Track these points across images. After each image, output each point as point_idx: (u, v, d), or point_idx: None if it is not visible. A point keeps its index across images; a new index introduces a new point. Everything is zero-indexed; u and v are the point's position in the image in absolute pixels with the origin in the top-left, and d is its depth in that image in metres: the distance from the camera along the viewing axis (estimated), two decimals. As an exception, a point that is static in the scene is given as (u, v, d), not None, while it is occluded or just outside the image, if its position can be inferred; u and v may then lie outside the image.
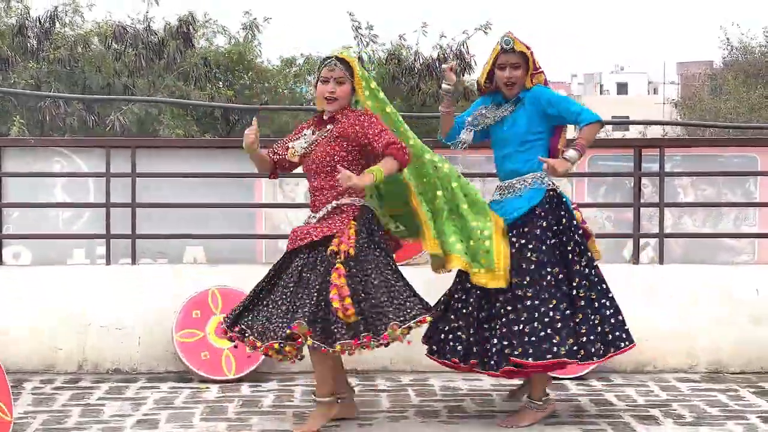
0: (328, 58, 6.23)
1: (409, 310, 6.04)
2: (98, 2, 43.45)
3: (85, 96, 22.92)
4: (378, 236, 6.21)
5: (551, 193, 6.35)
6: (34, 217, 8.36)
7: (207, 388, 7.43)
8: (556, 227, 6.32)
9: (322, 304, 5.95)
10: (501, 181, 6.47)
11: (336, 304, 5.87)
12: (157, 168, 8.29)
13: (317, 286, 6.00)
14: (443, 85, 6.39)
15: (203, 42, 28.64)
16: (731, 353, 7.95)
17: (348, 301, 5.87)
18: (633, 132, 50.90)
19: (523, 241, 6.26)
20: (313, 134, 6.31)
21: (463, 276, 6.40)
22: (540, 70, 6.36)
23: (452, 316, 6.39)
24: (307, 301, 5.96)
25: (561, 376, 7.59)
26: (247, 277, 7.22)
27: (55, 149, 8.48)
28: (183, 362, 7.68)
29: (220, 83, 27.10)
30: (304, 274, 6.08)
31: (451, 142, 6.60)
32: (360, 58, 27.51)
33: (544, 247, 6.24)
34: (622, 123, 26.50)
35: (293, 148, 6.34)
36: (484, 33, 27.86)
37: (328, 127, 6.25)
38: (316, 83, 6.27)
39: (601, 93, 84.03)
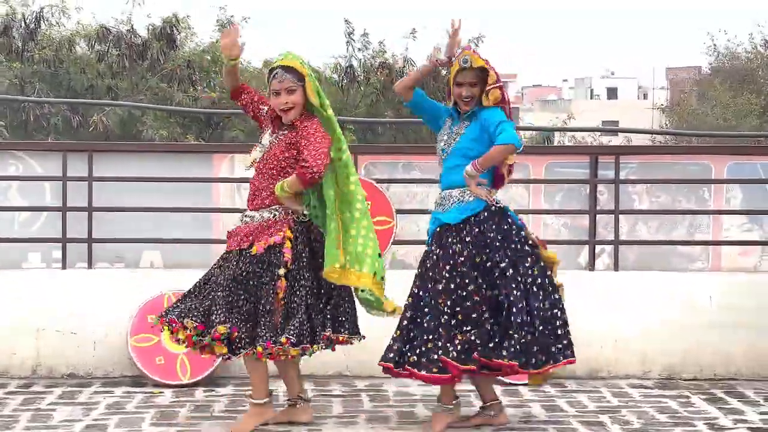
0: (274, 69, 6.23)
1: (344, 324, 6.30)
2: (85, 4, 43.59)
3: (49, 99, 22.81)
4: (313, 246, 6.26)
5: (493, 208, 6.36)
6: (-12, 221, 8.35)
7: (161, 392, 7.43)
8: (491, 239, 6.35)
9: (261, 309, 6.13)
10: (441, 191, 6.47)
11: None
12: (115, 172, 8.29)
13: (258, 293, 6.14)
14: (441, 56, 6.40)
15: (189, 44, 28.66)
16: (684, 360, 8.01)
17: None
18: (621, 137, 50.90)
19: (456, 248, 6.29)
20: (271, 135, 6.30)
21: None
22: (496, 84, 6.30)
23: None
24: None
25: (515, 382, 7.62)
26: (203, 282, 7.26)
27: (11, 152, 8.46)
28: (138, 367, 7.68)
29: (203, 85, 27.10)
30: (249, 280, 6.18)
31: (409, 105, 6.60)
32: (351, 66, 27.55)
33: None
34: (570, 129, 26.58)
35: (255, 151, 6.34)
36: (475, 45, 28.19)
37: (284, 131, 6.26)
38: (269, 95, 6.27)
39: (591, 97, 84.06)
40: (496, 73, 6.32)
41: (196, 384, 7.60)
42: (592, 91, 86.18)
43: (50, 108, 25.01)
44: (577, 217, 8.58)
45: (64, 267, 8.15)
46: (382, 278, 6.26)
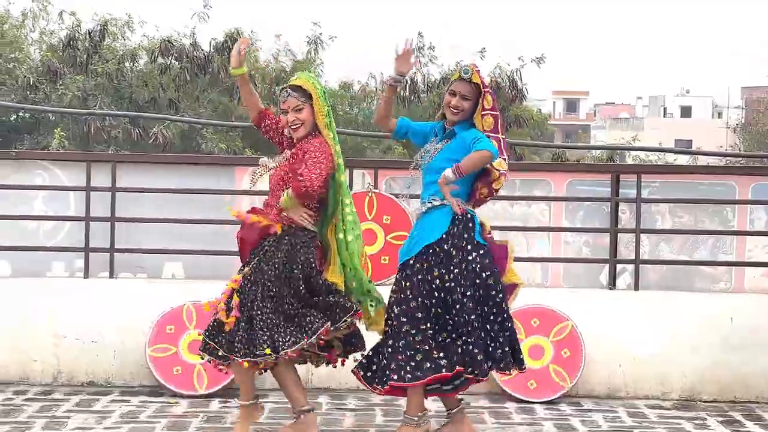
0: (283, 89, 6.34)
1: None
2: (149, 18, 44.32)
3: (92, 111, 23.11)
4: (300, 258, 6.25)
5: (459, 217, 6.30)
6: (14, 229, 8.46)
7: (177, 402, 7.49)
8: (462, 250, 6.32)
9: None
10: (421, 205, 6.45)
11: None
12: (138, 183, 8.39)
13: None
14: (395, 74, 6.36)
15: (253, 59, 28.88)
16: (704, 381, 7.91)
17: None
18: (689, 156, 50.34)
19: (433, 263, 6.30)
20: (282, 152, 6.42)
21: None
22: (489, 112, 6.28)
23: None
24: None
25: (531, 400, 7.59)
26: (223, 293, 7.31)
27: (37, 162, 8.60)
28: (155, 376, 7.75)
29: (266, 100, 27.29)
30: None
31: (394, 136, 6.65)
32: (413, 80, 27.64)
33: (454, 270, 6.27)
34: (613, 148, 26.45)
35: (267, 164, 6.43)
36: (537, 66, 28.15)
37: (289, 151, 6.37)
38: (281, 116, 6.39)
39: (664, 116, 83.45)
40: (493, 98, 6.33)
41: (212, 395, 7.65)
42: (665, 109, 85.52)
43: (111, 120, 25.37)
44: (598, 236, 8.53)
45: (86, 276, 8.25)
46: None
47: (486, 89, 6.30)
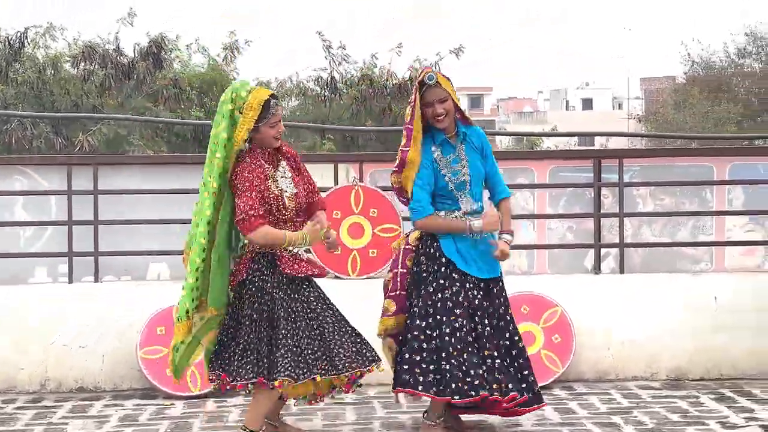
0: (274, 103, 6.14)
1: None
2: (70, 25, 43.42)
3: (47, 114, 22.74)
4: None
5: None
6: (-6, 236, 8.35)
7: (172, 404, 7.42)
8: None
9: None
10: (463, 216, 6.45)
11: None
12: (119, 185, 8.30)
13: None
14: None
15: (176, 64, 28.59)
16: (691, 361, 8.02)
17: None
18: (596, 145, 51.20)
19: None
20: (281, 174, 6.17)
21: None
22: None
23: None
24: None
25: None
26: (211, 293, 7.25)
27: (16, 167, 8.48)
28: (148, 379, 7.67)
29: (193, 104, 26.96)
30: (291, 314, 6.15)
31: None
32: (332, 78, 27.69)
33: None
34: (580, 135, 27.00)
35: (285, 192, 6.11)
36: (456, 57, 28.37)
37: (284, 163, 6.17)
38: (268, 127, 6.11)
39: (566, 109, 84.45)
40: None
41: (206, 395, 7.59)
42: (567, 102, 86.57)
43: (33, 130, 24.89)
44: (582, 221, 8.64)
45: (70, 281, 8.15)
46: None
47: (449, 80, 6.41)
